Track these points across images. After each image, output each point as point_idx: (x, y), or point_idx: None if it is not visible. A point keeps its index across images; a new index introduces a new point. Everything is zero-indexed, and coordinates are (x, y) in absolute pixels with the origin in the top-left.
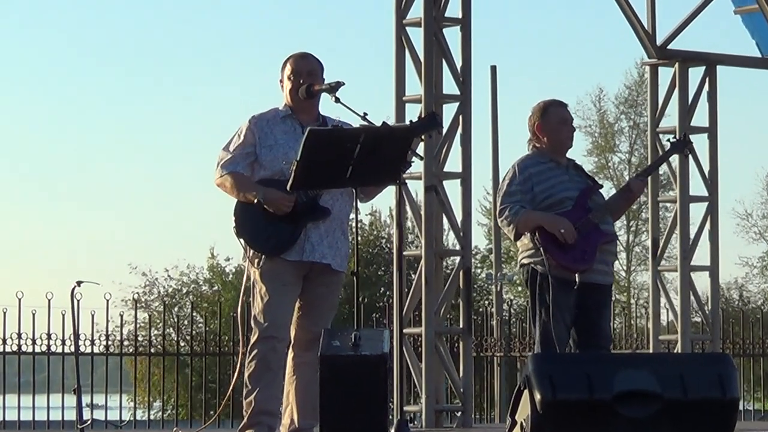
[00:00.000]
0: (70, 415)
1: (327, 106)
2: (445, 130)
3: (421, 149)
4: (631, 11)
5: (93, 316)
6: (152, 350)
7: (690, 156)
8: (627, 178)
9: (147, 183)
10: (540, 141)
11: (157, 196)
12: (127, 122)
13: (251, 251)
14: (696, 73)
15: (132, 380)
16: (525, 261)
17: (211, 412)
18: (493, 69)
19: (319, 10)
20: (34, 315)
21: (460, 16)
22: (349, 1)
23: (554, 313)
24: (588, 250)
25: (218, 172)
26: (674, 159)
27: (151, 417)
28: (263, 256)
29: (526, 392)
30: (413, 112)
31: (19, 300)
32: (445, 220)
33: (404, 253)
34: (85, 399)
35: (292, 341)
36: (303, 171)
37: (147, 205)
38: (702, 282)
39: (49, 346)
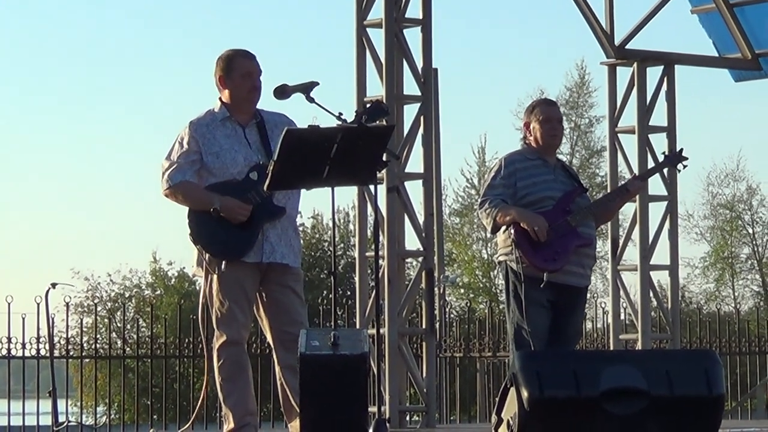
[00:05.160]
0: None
1: (299, 106)
2: (406, 131)
3: None
4: (589, 11)
5: (53, 319)
6: (97, 354)
7: (649, 154)
8: None
9: (89, 187)
10: (529, 138)
11: (98, 199)
12: (69, 126)
13: (208, 256)
14: (654, 73)
15: (76, 385)
16: (501, 258)
17: (187, 416)
18: (435, 71)
19: (279, 11)
20: None
21: (420, 16)
22: (309, 1)
23: (527, 310)
24: (560, 252)
25: (165, 183)
26: (631, 156)
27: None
28: (223, 261)
29: (512, 390)
30: None
31: None
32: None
33: (365, 254)
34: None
35: (273, 344)
36: (280, 171)
37: (88, 210)
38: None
39: (9, 350)
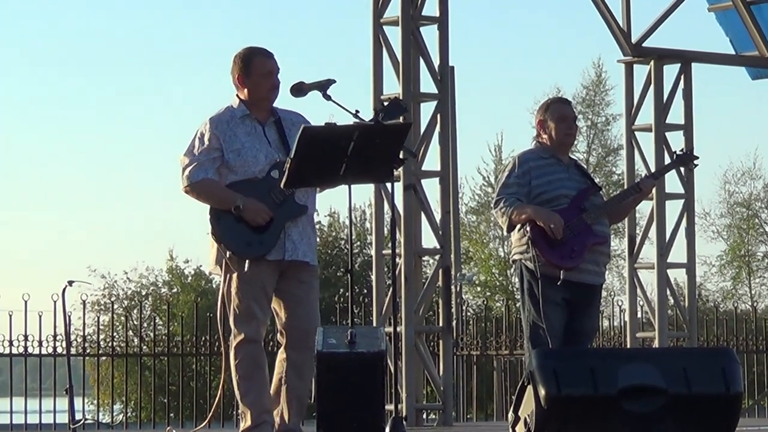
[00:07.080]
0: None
1: (316, 103)
2: (423, 129)
3: None
4: (606, 9)
5: (69, 317)
6: (114, 352)
7: (666, 152)
8: None
9: (105, 185)
10: (543, 137)
11: (115, 198)
12: (86, 125)
13: (229, 254)
14: (671, 71)
15: (92, 383)
16: (516, 257)
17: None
18: (452, 69)
19: (296, 9)
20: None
21: (437, 14)
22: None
23: (543, 309)
24: (576, 249)
25: (185, 180)
26: (648, 154)
27: (112, 419)
28: (246, 260)
29: (529, 387)
30: None
31: None
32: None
33: (382, 252)
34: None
35: (285, 339)
36: (296, 169)
37: (106, 208)
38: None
39: (26, 348)
